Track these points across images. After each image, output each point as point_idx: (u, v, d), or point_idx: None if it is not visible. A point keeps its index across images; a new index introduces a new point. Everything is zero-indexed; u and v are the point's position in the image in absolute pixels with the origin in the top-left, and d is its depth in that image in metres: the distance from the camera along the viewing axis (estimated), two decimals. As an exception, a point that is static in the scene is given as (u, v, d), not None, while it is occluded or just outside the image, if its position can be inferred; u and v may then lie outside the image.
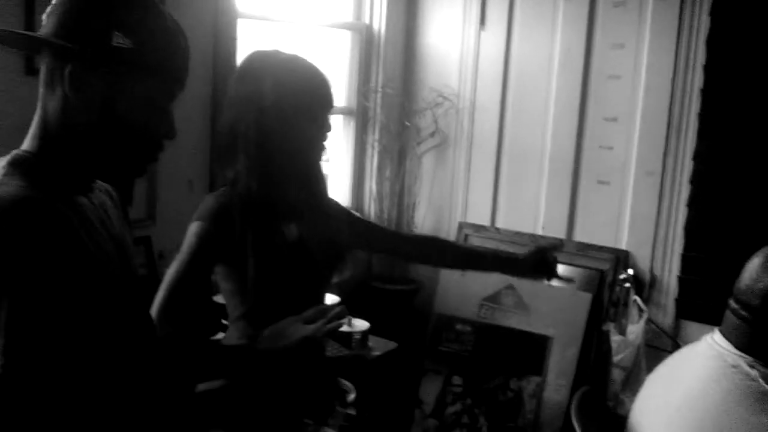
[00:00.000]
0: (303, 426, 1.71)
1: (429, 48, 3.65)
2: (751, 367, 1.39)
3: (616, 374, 2.82)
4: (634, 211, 3.10)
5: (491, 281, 3.19)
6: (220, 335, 2.39)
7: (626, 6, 3.08)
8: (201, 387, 1.32)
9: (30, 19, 2.18)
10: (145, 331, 1.21)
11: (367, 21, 3.60)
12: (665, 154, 3.00)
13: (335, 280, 1.90)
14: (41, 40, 1.06)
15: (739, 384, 1.38)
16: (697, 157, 2.93)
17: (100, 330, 1.03)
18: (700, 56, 2.89)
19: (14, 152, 1.07)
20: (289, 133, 1.64)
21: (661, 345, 2.94)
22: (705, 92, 2.89)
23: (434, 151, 3.62)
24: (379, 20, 3.59)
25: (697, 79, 2.91)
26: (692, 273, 2.96)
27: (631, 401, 1.75)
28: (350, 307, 3.11)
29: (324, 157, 1.79)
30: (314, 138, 1.70)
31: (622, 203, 3.14)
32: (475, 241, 3.45)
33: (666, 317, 3.03)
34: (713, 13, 2.84)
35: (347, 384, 1.70)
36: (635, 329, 2.85)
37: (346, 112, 3.62)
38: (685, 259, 2.98)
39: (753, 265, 1.46)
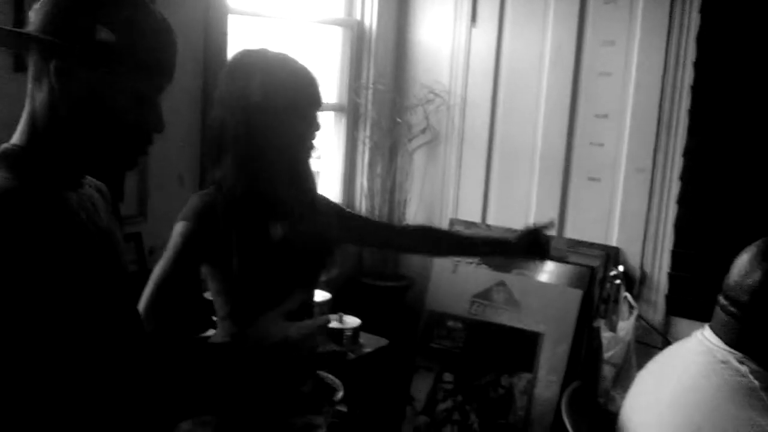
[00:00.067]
0: (290, 422, 1.71)
1: (420, 44, 3.64)
2: (741, 362, 1.40)
3: (607, 371, 2.83)
4: (625, 208, 3.11)
5: (482, 278, 3.20)
6: (211, 332, 2.38)
7: (617, 3, 3.08)
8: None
9: (19, 17, 2.17)
10: (132, 326, 1.21)
11: (358, 17, 3.59)
12: (655, 151, 3.01)
13: (324, 277, 1.90)
14: (28, 37, 1.06)
15: (729, 380, 1.39)
16: (687, 153, 2.94)
17: (82, 324, 1.03)
18: (690, 53, 2.90)
19: (2, 146, 1.07)
20: (277, 131, 1.64)
21: (651, 341, 2.95)
22: (695, 89, 2.90)
23: (425, 147, 3.62)
24: (370, 16, 3.59)
25: (687, 76, 2.92)
26: (682, 270, 2.98)
27: (622, 398, 1.75)
28: (341, 303, 3.14)
29: (314, 155, 1.79)
30: (303, 136, 1.70)
31: (612, 200, 3.15)
32: (466, 238, 3.45)
33: (656, 314, 3.04)
34: (703, 11, 2.85)
35: (335, 381, 1.70)
36: (625, 326, 2.86)
37: (337, 108, 3.62)
38: (675, 255, 2.99)
39: (741, 261, 1.46)
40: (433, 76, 3.55)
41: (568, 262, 3.10)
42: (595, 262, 3.11)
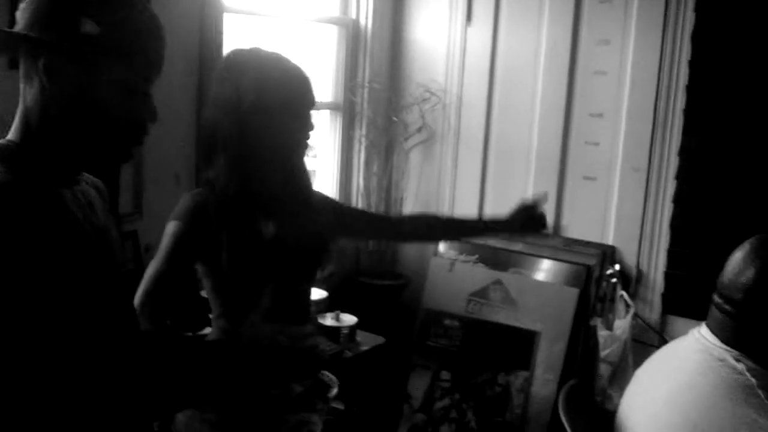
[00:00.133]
0: (284, 419, 1.71)
1: (416, 43, 3.64)
2: (738, 360, 1.40)
3: (603, 369, 2.83)
4: (621, 207, 3.12)
5: (479, 277, 3.20)
6: (208, 330, 2.38)
7: (612, 2, 3.09)
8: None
9: (14, 18, 2.16)
10: (126, 323, 1.21)
11: (353, 16, 3.59)
12: (651, 150, 3.02)
13: (320, 275, 1.90)
14: (13, 36, 1.06)
15: (726, 377, 1.39)
16: (683, 152, 2.94)
17: (72, 320, 1.03)
18: (685, 52, 2.91)
19: None
20: (271, 131, 1.64)
21: (647, 340, 2.96)
22: (690, 88, 2.90)
23: (421, 146, 3.62)
24: (365, 15, 3.58)
25: (683, 75, 2.92)
26: (678, 268, 2.98)
27: (618, 396, 1.76)
28: (338, 301, 3.14)
29: (309, 154, 1.79)
30: (296, 136, 1.70)
31: (608, 199, 3.15)
32: (463, 237, 3.45)
33: (652, 312, 3.05)
34: (698, 10, 2.86)
35: (330, 377, 1.69)
36: (622, 324, 2.86)
37: (332, 107, 3.61)
38: (671, 254, 3.00)
39: (735, 259, 1.47)
40: (428, 75, 3.55)
41: (564, 261, 3.10)
42: (592, 261, 3.11)
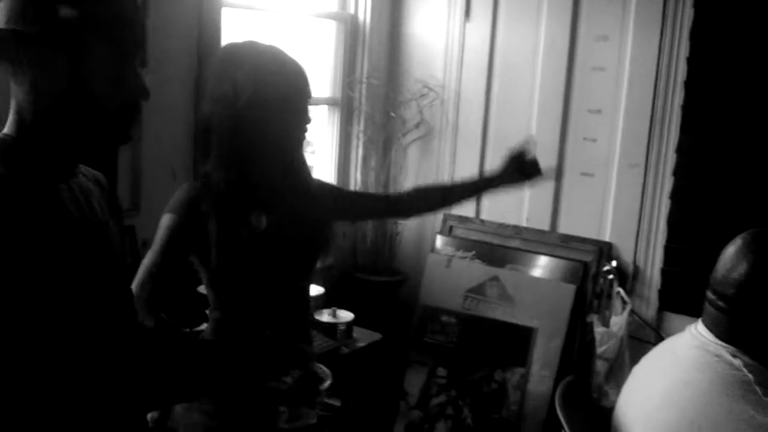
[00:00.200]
0: (278, 412, 1.71)
1: (414, 39, 3.64)
2: (734, 356, 1.40)
3: (600, 365, 2.83)
4: (618, 203, 3.12)
5: (476, 273, 3.20)
6: (204, 326, 2.38)
7: (611, -2, 3.09)
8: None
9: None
10: (125, 316, 1.21)
11: (352, 11, 3.58)
12: (648, 147, 3.02)
13: (319, 265, 1.89)
14: None
15: (722, 373, 1.39)
16: (680, 149, 2.94)
17: (68, 313, 1.03)
18: (684, 49, 2.91)
19: None
20: (268, 125, 1.64)
21: (644, 336, 2.96)
22: (688, 85, 2.90)
23: (419, 142, 3.61)
24: (364, 10, 3.58)
25: (681, 72, 2.92)
26: (675, 265, 2.98)
27: (615, 392, 1.76)
28: (335, 298, 3.14)
29: (307, 149, 1.79)
30: (294, 130, 1.70)
31: (605, 195, 3.15)
32: (460, 233, 3.46)
33: (649, 309, 3.05)
34: (697, 6, 2.86)
35: (324, 370, 1.69)
36: (618, 321, 2.87)
37: (330, 102, 3.61)
38: (668, 250, 3.00)
39: (727, 255, 1.47)
40: (427, 71, 3.54)
41: (561, 257, 3.10)
42: (589, 258, 3.11)
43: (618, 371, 2.77)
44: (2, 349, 0.97)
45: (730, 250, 1.46)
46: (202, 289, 2.58)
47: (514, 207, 3.36)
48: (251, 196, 1.68)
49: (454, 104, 3.51)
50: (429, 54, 3.57)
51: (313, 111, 1.74)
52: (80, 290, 1.05)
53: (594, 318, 2.93)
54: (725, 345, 1.43)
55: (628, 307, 2.89)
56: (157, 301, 1.55)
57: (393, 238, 3.64)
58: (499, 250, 3.27)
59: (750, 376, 1.36)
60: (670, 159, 2.97)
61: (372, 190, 3.64)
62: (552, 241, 3.22)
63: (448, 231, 3.49)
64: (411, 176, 3.64)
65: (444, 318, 3.20)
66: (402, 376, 3.22)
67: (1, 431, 1.00)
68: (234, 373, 1.35)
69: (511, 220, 3.37)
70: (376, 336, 3.09)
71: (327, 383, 1.69)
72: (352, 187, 3.69)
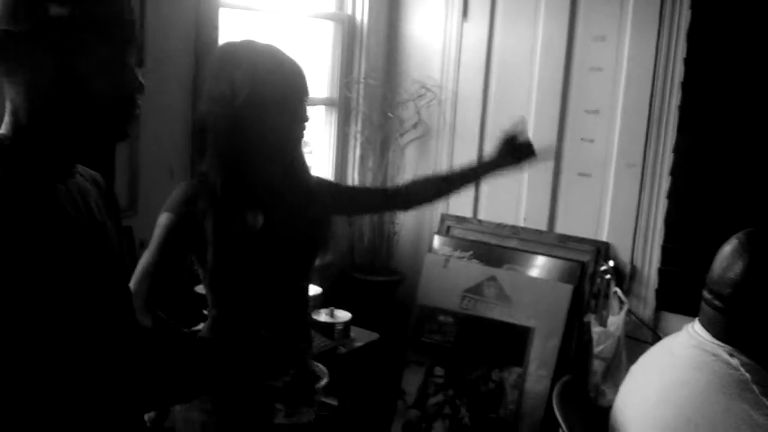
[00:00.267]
0: (274, 410, 1.71)
1: (412, 39, 3.64)
2: (731, 355, 1.41)
3: (597, 365, 2.84)
4: (615, 203, 3.12)
5: (473, 273, 3.20)
6: (201, 326, 2.38)
7: (608, -2, 3.09)
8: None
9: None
10: (123, 316, 1.21)
11: (349, 12, 3.58)
12: (646, 147, 3.02)
13: (318, 262, 1.89)
14: None
15: (719, 373, 1.40)
16: (678, 149, 2.95)
17: (65, 314, 1.03)
18: (681, 49, 2.91)
19: None
20: (266, 125, 1.64)
21: (641, 336, 2.97)
22: (685, 85, 2.91)
23: (417, 142, 3.61)
24: (361, 11, 3.58)
25: (678, 72, 2.93)
26: (672, 265, 2.99)
27: (612, 392, 1.76)
28: (332, 297, 3.14)
29: (305, 145, 1.79)
30: (292, 128, 1.70)
31: (603, 195, 3.16)
32: (457, 233, 3.46)
33: (646, 309, 3.05)
34: (694, 7, 2.86)
35: (321, 368, 1.69)
36: (616, 320, 2.87)
37: (328, 103, 3.61)
38: (666, 250, 3.00)
39: (723, 254, 1.47)
40: (424, 71, 3.54)
41: (559, 257, 3.11)
42: (586, 257, 3.12)
43: (615, 371, 2.78)
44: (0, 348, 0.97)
45: (726, 250, 1.47)
46: (199, 288, 2.59)
47: (512, 207, 3.37)
48: (248, 196, 1.68)
49: (451, 104, 3.51)
50: (426, 54, 3.57)
51: (310, 110, 1.74)
52: (78, 290, 1.05)
53: (591, 318, 2.94)
54: (722, 344, 1.43)
55: (625, 307, 2.89)
56: (154, 300, 1.55)
57: (390, 238, 3.64)
58: (496, 250, 3.28)
59: (747, 375, 1.36)
60: (668, 159, 2.97)
61: (370, 189, 3.64)
62: (549, 241, 3.23)
63: (445, 231, 3.49)
64: (408, 177, 3.63)
65: (441, 318, 3.21)
66: (399, 375, 3.22)
67: None
68: (227, 373, 1.35)
69: (508, 220, 3.37)
70: (374, 336, 3.09)
71: (323, 381, 1.69)
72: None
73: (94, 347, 1.08)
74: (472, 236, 3.40)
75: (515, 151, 2.01)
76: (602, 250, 3.11)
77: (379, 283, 3.53)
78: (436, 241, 3.41)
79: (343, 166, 3.69)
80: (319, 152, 3.64)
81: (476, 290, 3.18)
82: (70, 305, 1.04)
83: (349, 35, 3.59)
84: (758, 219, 2.67)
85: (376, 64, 3.63)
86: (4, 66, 1.06)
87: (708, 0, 2.84)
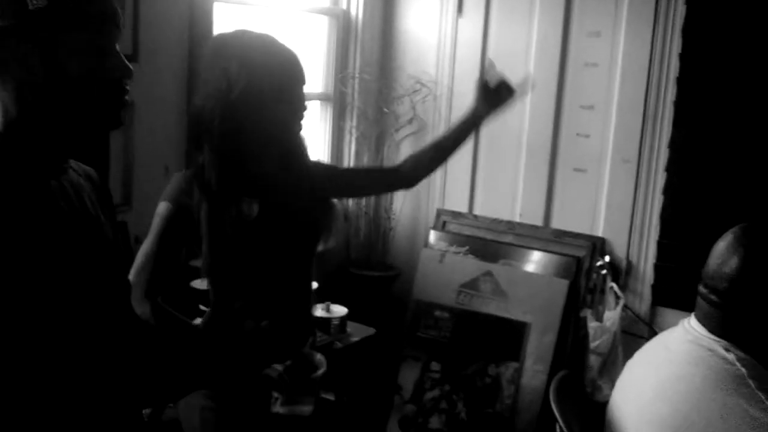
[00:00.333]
0: (272, 398, 1.71)
1: (407, 34, 3.63)
2: (727, 350, 1.41)
3: (593, 360, 2.84)
4: (611, 199, 3.13)
5: (469, 268, 3.20)
6: (198, 321, 2.38)
7: (603, -6, 3.09)
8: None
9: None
10: (120, 311, 1.20)
11: (344, 6, 3.58)
12: (641, 142, 3.03)
13: (320, 247, 1.88)
14: None
15: (715, 367, 1.40)
16: (673, 145, 2.95)
17: (56, 309, 1.03)
18: (676, 45, 2.91)
19: None
20: (263, 116, 1.63)
21: (637, 331, 2.98)
22: (680, 81, 2.91)
23: (412, 137, 3.61)
24: (356, 6, 3.57)
25: (673, 68, 2.93)
26: (668, 260, 2.99)
27: (608, 387, 1.76)
28: (328, 292, 3.13)
29: (303, 134, 1.79)
30: (289, 118, 1.69)
31: (598, 191, 3.16)
32: (453, 228, 3.46)
33: (642, 304, 3.06)
34: (689, 2, 2.86)
35: (320, 358, 1.69)
36: (612, 316, 2.88)
37: (323, 98, 3.60)
38: (661, 246, 3.01)
39: (718, 249, 1.47)
40: (419, 67, 3.54)
41: (554, 253, 3.11)
42: (582, 253, 3.12)
43: (611, 366, 2.78)
44: None
45: (721, 245, 1.47)
46: (195, 283, 2.59)
47: (508, 202, 3.37)
48: (244, 186, 1.67)
49: (446, 100, 3.51)
50: (422, 50, 3.57)
51: (308, 98, 1.73)
52: (73, 285, 1.05)
53: (587, 313, 2.94)
54: (718, 339, 1.43)
55: (621, 302, 2.90)
56: (154, 288, 1.56)
57: (386, 233, 3.64)
58: (492, 245, 3.28)
59: (743, 370, 1.37)
60: (663, 154, 2.98)
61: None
62: (545, 237, 3.23)
63: (441, 226, 3.49)
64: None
65: (437, 313, 3.21)
66: (396, 370, 3.22)
67: None
68: (225, 363, 1.35)
69: (504, 216, 3.38)
70: (370, 331, 3.10)
71: (321, 371, 1.69)
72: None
73: (89, 342, 1.08)
74: (467, 231, 3.40)
75: (494, 93, 2.00)
76: (598, 246, 3.11)
77: (375, 278, 3.53)
78: (432, 236, 3.41)
79: (338, 162, 3.68)
80: (314, 147, 3.64)
81: (472, 285, 3.18)
82: (64, 301, 1.03)
83: (344, 30, 3.59)
84: (753, 214, 2.68)
85: (371, 59, 3.62)
86: None
87: (703, -5, 2.84)
